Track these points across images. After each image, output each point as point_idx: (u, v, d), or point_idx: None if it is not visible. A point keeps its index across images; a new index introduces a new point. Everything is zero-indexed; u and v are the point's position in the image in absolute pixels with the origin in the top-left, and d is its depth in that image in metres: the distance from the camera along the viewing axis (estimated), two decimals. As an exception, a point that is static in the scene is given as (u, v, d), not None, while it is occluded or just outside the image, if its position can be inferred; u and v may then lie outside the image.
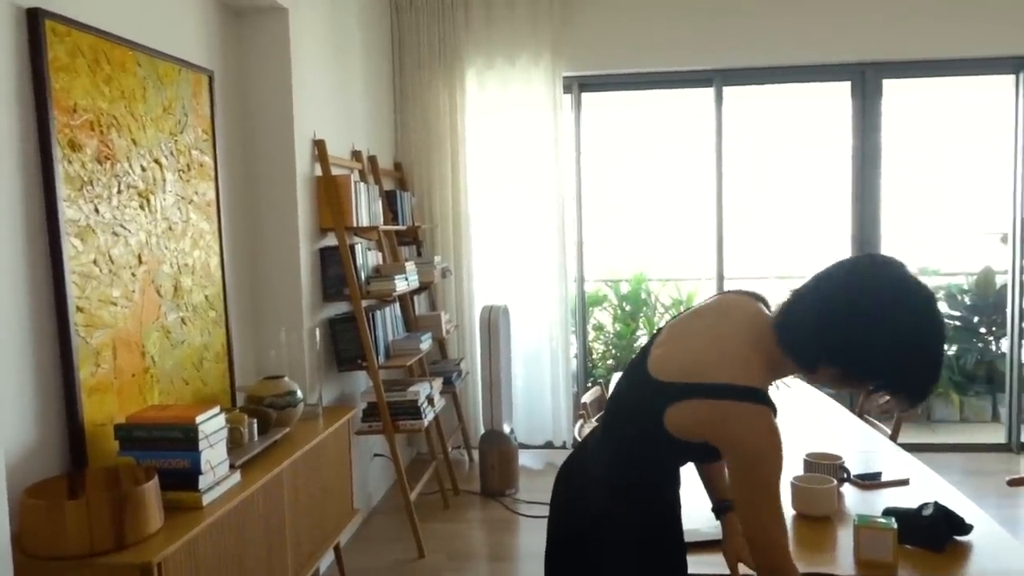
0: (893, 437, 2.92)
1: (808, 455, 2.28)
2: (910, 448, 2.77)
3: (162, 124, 2.66)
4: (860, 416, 3.21)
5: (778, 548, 1.47)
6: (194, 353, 2.86)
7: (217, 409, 2.36)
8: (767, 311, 1.60)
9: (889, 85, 5.07)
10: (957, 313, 6.60)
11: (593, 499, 1.67)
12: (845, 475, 2.24)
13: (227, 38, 3.20)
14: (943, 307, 6.63)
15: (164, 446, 2.23)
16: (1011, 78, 4.99)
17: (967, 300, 6.59)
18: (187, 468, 2.23)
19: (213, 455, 2.31)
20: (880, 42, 4.86)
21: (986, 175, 6.08)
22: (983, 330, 6.47)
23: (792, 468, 2.33)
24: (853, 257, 1.52)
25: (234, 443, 2.58)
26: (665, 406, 1.49)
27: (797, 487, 2.08)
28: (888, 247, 5.19)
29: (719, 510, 1.87)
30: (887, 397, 1.47)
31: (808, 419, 3.10)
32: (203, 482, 2.24)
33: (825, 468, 2.20)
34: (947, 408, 6.10)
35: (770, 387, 1.53)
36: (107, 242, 2.37)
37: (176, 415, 2.28)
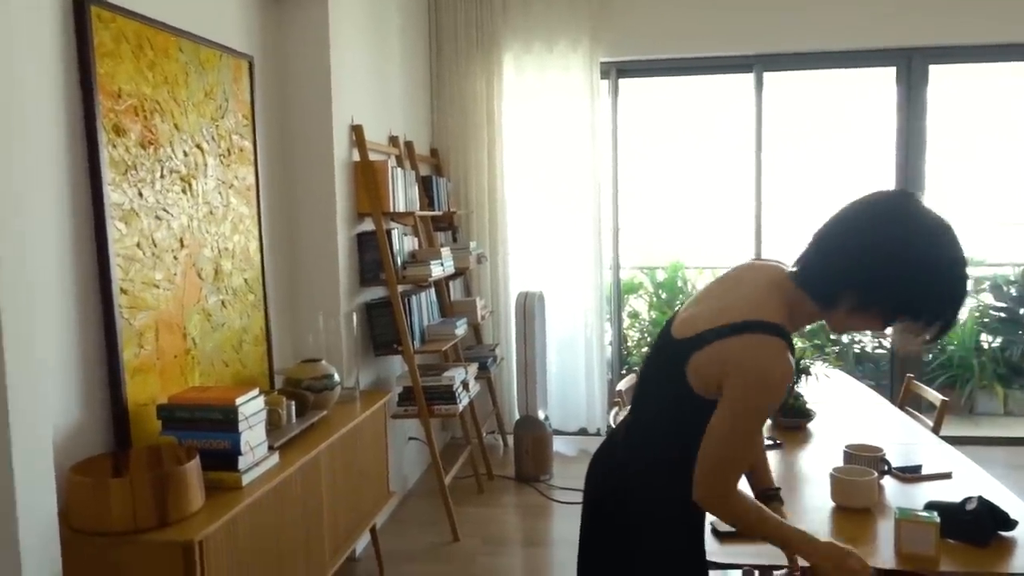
0: (935, 430, 2.86)
1: (848, 447, 2.24)
2: (952, 441, 2.72)
3: (203, 109, 2.70)
4: (902, 408, 3.16)
5: (727, 488, 1.46)
6: (234, 336, 2.90)
7: (256, 391, 2.39)
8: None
9: (936, 71, 4.94)
10: (1003, 304, 6.44)
11: (623, 481, 1.66)
12: (886, 467, 2.20)
13: (267, 24, 3.22)
14: (988, 298, 6.49)
15: (205, 427, 2.27)
16: (1066, 62, 4.84)
17: (1013, 291, 6.42)
18: (227, 449, 2.27)
19: (252, 436, 2.34)
20: (927, 27, 4.74)
21: (1036, 163, 5.91)
22: (1030, 322, 6.31)
23: (832, 460, 2.31)
24: (863, 196, 1.51)
25: (272, 425, 2.62)
26: (687, 360, 1.47)
27: (836, 478, 2.05)
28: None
29: (764, 499, 1.76)
30: (919, 330, 1.44)
31: (849, 411, 3.05)
32: (242, 463, 2.27)
33: (865, 460, 2.17)
34: (991, 401, 5.97)
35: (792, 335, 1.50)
36: (150, 226, 2.41)
37: (216, 396, 2.32)
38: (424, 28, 4.92)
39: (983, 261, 6.70)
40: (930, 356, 6.15)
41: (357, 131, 3.60)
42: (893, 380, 5.20)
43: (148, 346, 2.40)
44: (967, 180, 6.02)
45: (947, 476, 2.25)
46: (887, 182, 5.05)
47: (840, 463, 2.22)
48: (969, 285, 1.43)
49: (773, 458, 2.50)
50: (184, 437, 2.27)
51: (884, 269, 1.39)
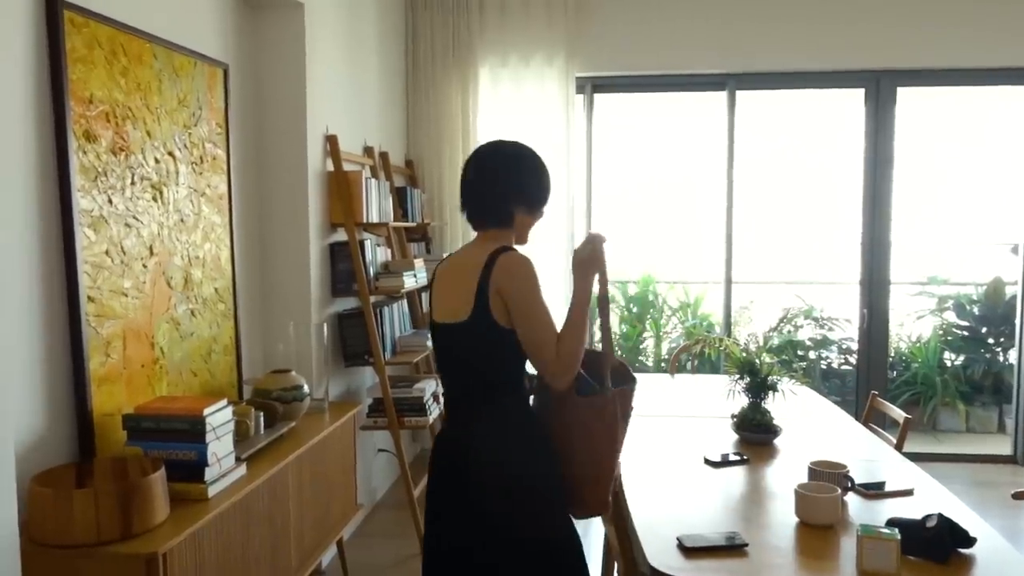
0: (898, 446, 2.91)
1: (812, 463, 2.27)
2: (915, 458, 2.77)
3: (176, 117, 2.68)
4: (866, 424, 3.21)
5: (564, 342, 1.88)
6: (203, 345, 2.88)
7: (224, 402, 2.37)
8: None
9: (903, 93, 5.05)
10: (965, 323, 6.57)
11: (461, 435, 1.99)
12: (849, 484, 2.23)
13: (242, 32, 3.21)
14: (952, 316, 6.62)
15: (171, 437, 2.25)
16: (1026, 88, 4.97)
17: (976, 310, 6.56)
18: (194, 460, 2.25)
19: (220, 447, 2.32)
20: (895, 49, 4.84)
21: (999, 185, 6.05)
22: (991, 340, 6.44)
23: (798, 476, 2.34)
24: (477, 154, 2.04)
25: (240, 435, 2.60)
26: (487, 302, 1.88)
27: (801, 495, 2.08)
28: (898, 255, 5.18)
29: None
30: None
31: (814, 427, 3.09)
32: (209, 474, 2.25)
33: (829, 476, 2.20)
34: (953, 418, 6.08)
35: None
36: (120, 233, 2.38)
37: (184, 407, 2.30)
38: (400, 39, 4.93)
39: (947, 280, 6.84)
40: (895, 373, 6.26)
41: (332, 141, 3.59)
42: (859, 396, 5.28)
43: (115, 355, 2.37)
44: (933, 200, 6.14)
45: (909, 493, 2.29)
46: (855, 199, 5.14)
47: (805, 479, 2.25)
48: None
49: (739, 473, 2.53)
50: (150, 448, 2.25)
51: (526, 176, 1.98)
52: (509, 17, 4.95)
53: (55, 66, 2.11)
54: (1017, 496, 2.53)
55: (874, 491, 2.27)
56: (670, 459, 2.69)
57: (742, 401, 2.90)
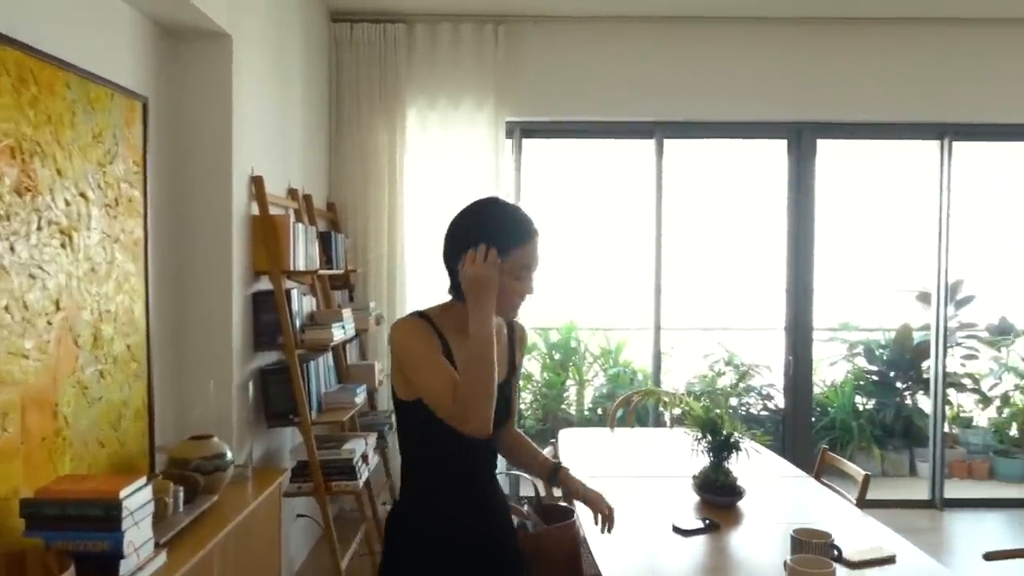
0: (859, 503, 2.85)
1: (796, 532, 2.15)
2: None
3: (90, 153, 2.37)
4: (818, 479, 3.15)
5: (462, 380, 1.66)
6: (112, 410, 2.53)
7: (143, 480, 2.07)
8: None
9: (823, 145, 5.18)
10: (875, 368, 6.77)
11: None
12: (836, 553, 2.12)
13: (164, 63, 2.92)
14: (863, 362, 6.80)
15: (80, 525, 1.93)
16: (936, 143, 5.18)
17: (885, 355, 6.77)
18: (107, 551, 1.93)
19: (138, 535, 2.01)
20: (815, 103, 4.97)
21: (907, 235, 6.30)
22: (900, 385, 6.65)
23: (770, 542, 2.22)
24: None
25: (158, 516, 2.27)
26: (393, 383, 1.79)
27: (794, 570, 1.94)
28: (819, 302, 5.26)
29: (553, 475, 2.01)
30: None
31: (771, 486, 3.00)
32: (125, 567, 1.94)
33: (815, 547, 2.08)
34: (869, 462, 6.20)
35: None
36: (22, 285, 2.06)
37: (95, 488, 1.98)
38: (324, 76, 4.70)
39: (857, 326, 7.05)
40: (813, 418, 6.34)
41: (257, 183, 3.32)
42: (785, 442, 5.28)
43: (12, 428, 2.02)
44: (843, 248, 6.32)
45: (891, 560, 2.21)
46: (780, 247, 5.21)
47: (780, 546, 2.14)
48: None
49: (711, 542, 2.39)
50: (54, 539, 1.91)
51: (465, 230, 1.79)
52: (438, 59, 4.81)
53: (-50, 92, 1.81)
54: (989, 557, 2.49)
55: (860, 561, 2.16)
56: (637, 527, 2.52)
57: (700, 460, 2.78)
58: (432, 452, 1.81)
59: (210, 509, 2.55)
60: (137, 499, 2.02)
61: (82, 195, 2.33)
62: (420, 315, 1.82)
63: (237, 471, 2.90)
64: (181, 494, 2.45)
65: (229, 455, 2.72)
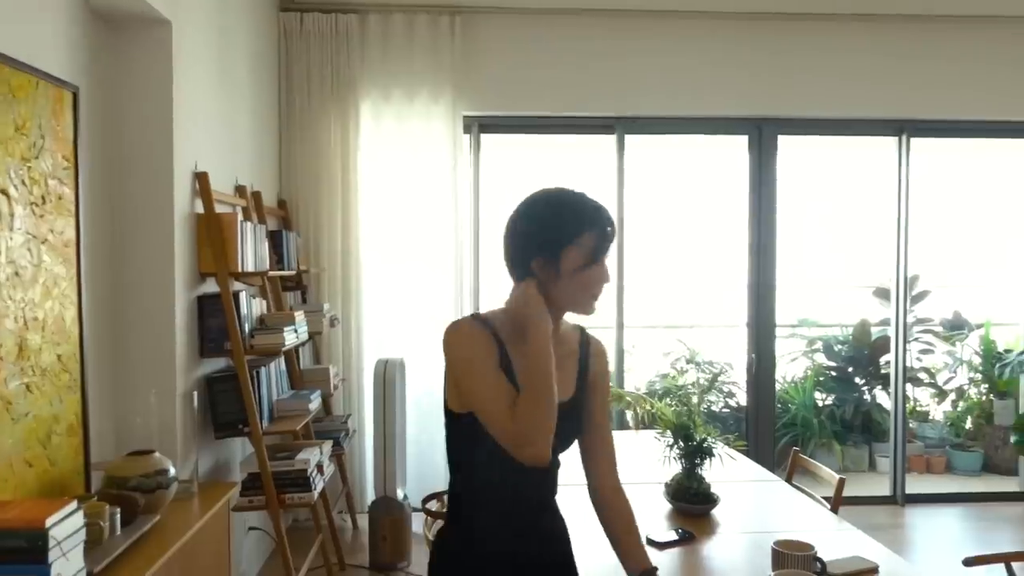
0: (834, 509, 2.78)
1: (777, 544, 2.04)
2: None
3: (12, 147, 2.16)
4: (789, 482, 3.07)
5: (520, 402, 1.49)
6: (41, 427, 2.33)
7: (74, 504, 1.88)
8: None
9: (784, 141, 5.14)
10: (834, 364, 6.78)
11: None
12: (819, 566, 2.03)
13: (97, 51, 2.71)
14: (822, 358, 6.81)
15: (1, 559, 1.74)
16: (894, 140, 5.17)
17: (843, 351, 6.78)
18: (32, 587, 1.74)
19: (67, 567, 1.82)
20: (776, 99, 4.92)
21: (864, 231, 6.31)
22: (859, 380, 6.67)
23: (751, 555, 2.12)
24: None
25: (92, 541, 2.08)
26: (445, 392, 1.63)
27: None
28: (781, 298, 5.22)
29: None
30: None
31: (744, 492, 2.90)
32: (53, 604, 1.75)
33: (798, 560, 1.98)
34: (830, 457, 6.20)
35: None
36: (-68, 294, 1.85)
37: (18, 517, 1.79)
38: (273, 67, 4.50)
39: (816, 322, 7.06)
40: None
41: (202, 179, 3.12)
42: (749, 439, 5.23)
43: (-78, 452, 1.82)
44: (802, 244, 6.31)
45: (874, 571, 2.12)
46: (741, 243, 5.16)
47: (759, 556, 2.04)
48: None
49: (688, 555, 2.28)
50: (-29, 575, 1.72)
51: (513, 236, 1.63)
52: (392, 50, 4.64)
53: None
54: (969, 563, 2.43)
55: (844, 574, 2.07)
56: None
57: (671, 466, 2.67)
58: (482, 472, 1.63)
59: (151, 531, 2.36)
60: (66, 526, 1.84)
61: (3, 192, 2.12)
62: (479, 318, 1.63)
63: (182, 487, 2.71)
64: (119, 516, 2.26)
65: (172, 471, 2.53)
